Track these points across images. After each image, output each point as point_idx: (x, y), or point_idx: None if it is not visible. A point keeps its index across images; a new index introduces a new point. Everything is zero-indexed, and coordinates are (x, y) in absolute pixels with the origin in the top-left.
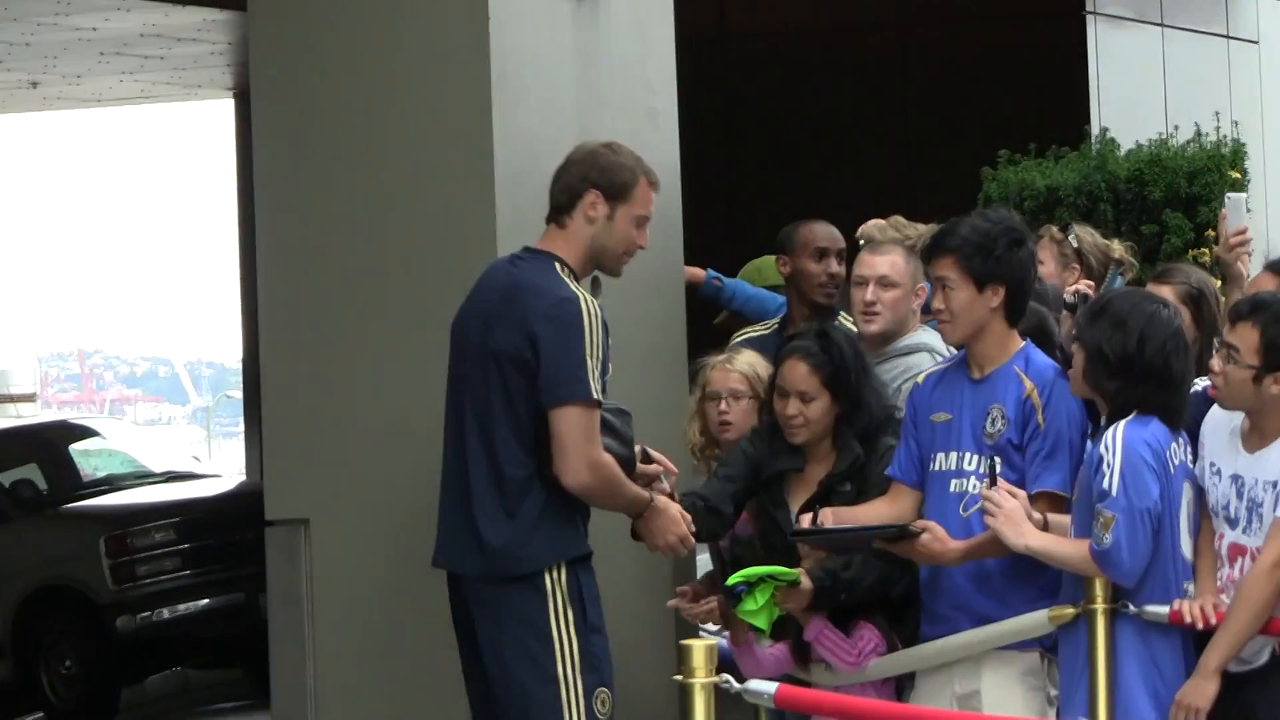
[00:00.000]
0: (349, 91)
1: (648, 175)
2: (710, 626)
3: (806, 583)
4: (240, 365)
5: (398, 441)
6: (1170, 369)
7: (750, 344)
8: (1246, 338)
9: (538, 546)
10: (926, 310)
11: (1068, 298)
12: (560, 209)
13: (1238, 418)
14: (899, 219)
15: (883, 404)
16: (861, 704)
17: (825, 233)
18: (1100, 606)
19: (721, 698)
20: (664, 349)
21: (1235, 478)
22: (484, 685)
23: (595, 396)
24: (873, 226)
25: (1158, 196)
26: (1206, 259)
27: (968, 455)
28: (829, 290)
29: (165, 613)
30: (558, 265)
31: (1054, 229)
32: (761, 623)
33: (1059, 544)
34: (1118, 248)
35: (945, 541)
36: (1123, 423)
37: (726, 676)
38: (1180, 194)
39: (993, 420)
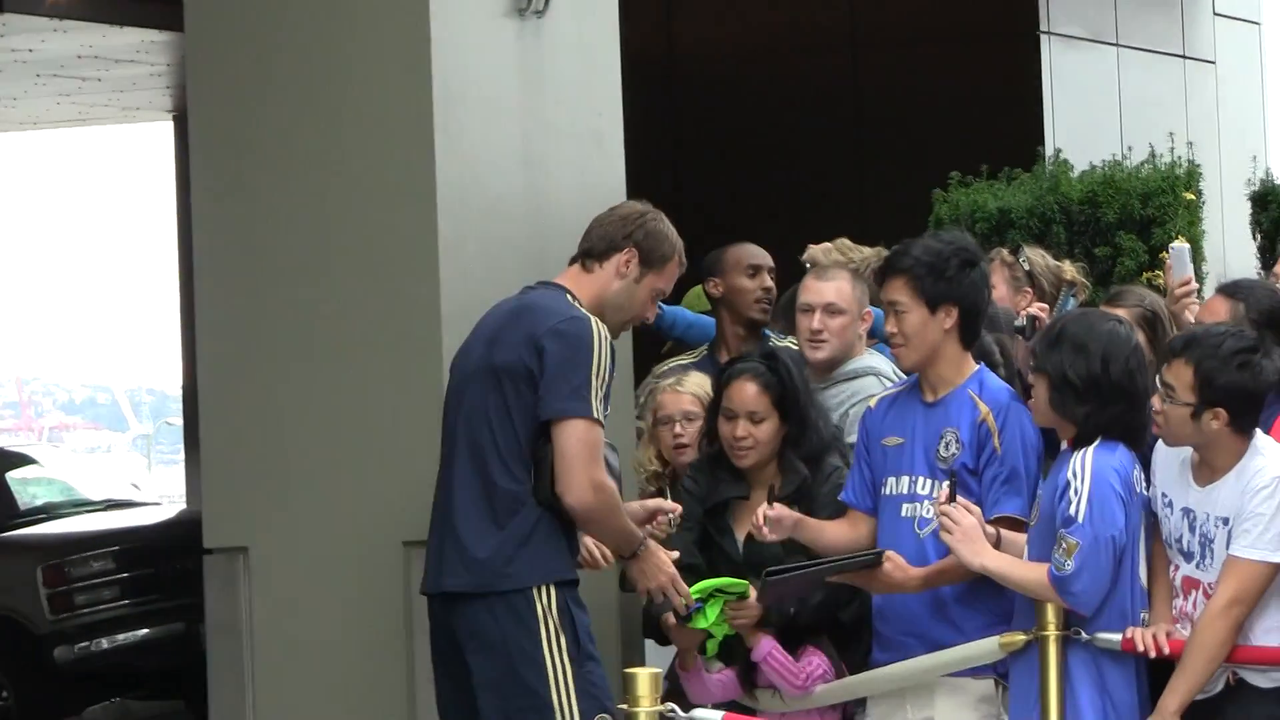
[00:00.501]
0: (288, 114)
1: (681, 257)
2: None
3: (754, 595)
4: (181, 392)
5: (337, 469)
6: (1136, 385)
7: (678, 372)
8: (1181, 375)
9: (525, 563)
10: (874, 334)
11: (1019, 321)
12: (592, 254)
13: (1187, 449)
14: (845, 241)
15: (829, 424)
16: None
17: (756, 250)
18: (1053, 633)
19: None
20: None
21: (1187, 511)
22: (469, 716)
23: (598, 417)
24: (818, 250)
25: (1111, 218)
26: (1160, 282)
27: (920, 479)
28: (764, 305)
29: (104, 643)
30: (569, 296)
31: (1005, 252)
32: (715, 632)
33: (1016, 566)
34: (1069, 269)
35: (906, 570)
36: (1090, 449)
37: (672, 705)
38: (1134, 216)
39: (946, 444)
